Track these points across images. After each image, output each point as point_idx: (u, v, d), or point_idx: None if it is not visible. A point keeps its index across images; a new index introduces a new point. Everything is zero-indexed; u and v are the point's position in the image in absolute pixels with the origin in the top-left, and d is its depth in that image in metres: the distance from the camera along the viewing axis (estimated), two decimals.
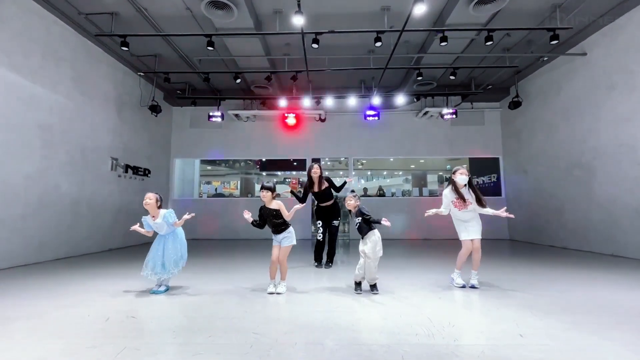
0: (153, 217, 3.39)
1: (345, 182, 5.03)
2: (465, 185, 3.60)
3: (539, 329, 2.30)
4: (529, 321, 2.47)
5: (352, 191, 3.64)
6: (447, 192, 3.64)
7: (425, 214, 3.73)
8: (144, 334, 2.28)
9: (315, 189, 4.80)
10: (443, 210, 3.67)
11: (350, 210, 3.47)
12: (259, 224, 3.51)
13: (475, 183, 10.18)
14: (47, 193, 5.52)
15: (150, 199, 3.37)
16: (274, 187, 3.43)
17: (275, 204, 3.39)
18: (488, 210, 3.60)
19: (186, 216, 3.42)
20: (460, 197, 3.56)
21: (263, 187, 3.39)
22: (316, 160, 10.00)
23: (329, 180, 4.90)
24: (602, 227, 6.24)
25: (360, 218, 3.32)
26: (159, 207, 3.42)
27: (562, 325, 2.39)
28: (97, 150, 6.72)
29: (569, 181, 7.07)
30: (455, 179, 3.61)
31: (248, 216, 3.48)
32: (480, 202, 3.57)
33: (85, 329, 2.33)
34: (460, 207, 3.58)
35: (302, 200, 4.47)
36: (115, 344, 2.06)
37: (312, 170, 4.76)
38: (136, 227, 3.49)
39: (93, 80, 6.63)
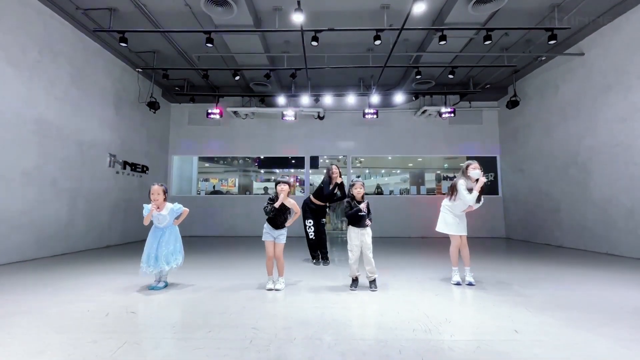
0: (158, 208, 3.37)
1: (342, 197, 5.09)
2: (477, 180, 3.58)
3: (533, 325, 2.34)
4: (524, 317, 2.51)
5: (358, 176, 3.58)
6: (462, 182, 3.60)
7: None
8: (144, 329, 2.30)
9: (333, 191, 4.80)
10: (469, 200, 3.54)
11: (352, 196, 3.38)
12: (274, 210, 3.33)
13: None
14: (44, 189, 5.50)
15: (158, 193, 3.33)
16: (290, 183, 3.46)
17: (288, 203, 3.39)
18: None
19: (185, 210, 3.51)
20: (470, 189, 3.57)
21: (280, 182, 3.36)
22: (314, 160, 10.05)
23: (342, 188, 4.86)
24: (597, 226, 6.31)
25: (366, 210, 3.34)
26: (165, 199, 3.43)
27: (557, 321, 2.43)
28: (94, 146, 6.70)
29: (565, 180, 7.13)
30: (469, 174, 3.58)
31: (279, 202, 3.30)
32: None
33: (85, 324, 2.34)
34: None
35: (319, 196, 4.86)
36: (115, 338, 2.07)
37: (333, 173, 4.78)
38: (151, 210, 3.34)
39: (91, 76, 6.59)
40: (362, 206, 3.31)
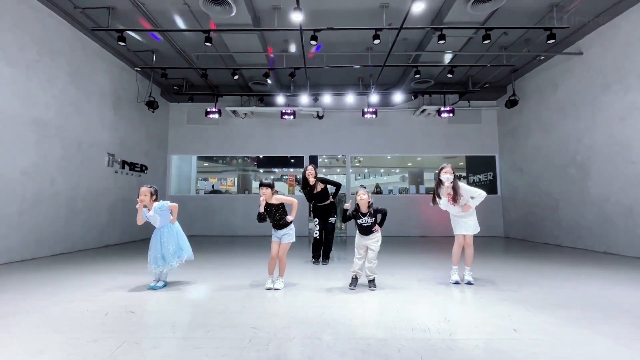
0: (149, 209, 3.40)
1: (340, 185, 5.01)
2: (451, 183, 3.61)
3: (532, 324, 2.35)
4: (522, 316, 2.51)
5: (362, 186, 3.53)
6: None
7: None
8: (143, 328, 2.30)
9: (313, 191, 4.86)
10: (442, 206, 3.72)
11: (357, 206, 3.34)
12: (262, 215, 3.38)
13: (472, 181, 10.29)
14: (43, 189, 5.49)
15: (145, 194, 3.34)
16: (273, 184, 3.42)
17: (275, 199, 3.39)
18: (472, 203, 3.63)
19: (173, 206, 3.48)
20: (447, 193, 3.59)
21: (262, 185, 3.35)
22: (313, 159, 10.05)
23: (324, 180, 4.94)
24: (596, 225, 6.32)
25: (373, 218, 3.31)
26: (155, 200, 3.42)
27: (556, 320, 2.43)
28: (93, 145, 6.68)
29: (564, 179, 7.14)
30: (440, 177, 3.65)
31: (262, 205, 3.36)
32: (455, 199, 3.56)
33: (85, 323, 2.34)
34: (452, 201, 3.61)
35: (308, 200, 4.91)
36: (115, 338, 2.07)
37: (307, 172, 4.82)
38: (139, 208, 3.38)
39: (89, 75, 6.57)
40: (368, 219, 3.28)
